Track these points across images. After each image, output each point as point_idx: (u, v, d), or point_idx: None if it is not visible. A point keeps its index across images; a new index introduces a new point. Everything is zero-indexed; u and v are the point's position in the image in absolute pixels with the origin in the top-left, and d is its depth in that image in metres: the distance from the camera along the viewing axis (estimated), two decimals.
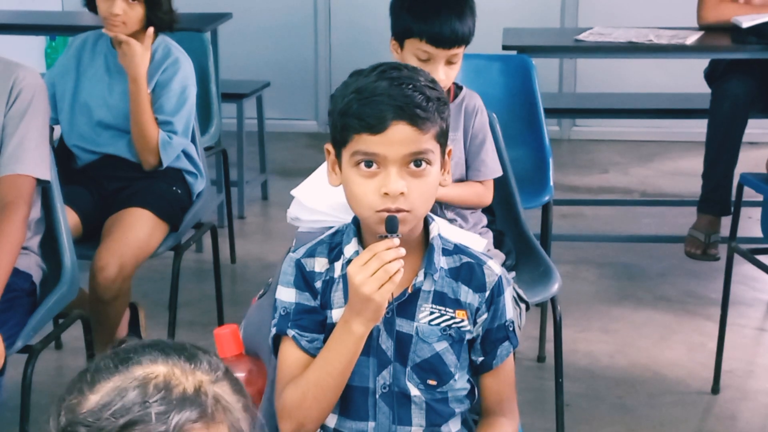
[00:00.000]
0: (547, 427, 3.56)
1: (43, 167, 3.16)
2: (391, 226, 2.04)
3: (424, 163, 2.06)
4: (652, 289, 4.86)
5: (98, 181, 3.90)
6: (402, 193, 2.04)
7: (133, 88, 3.79)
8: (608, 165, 6.65)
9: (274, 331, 2.17)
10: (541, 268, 3.44)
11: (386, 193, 2.04)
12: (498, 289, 2.18)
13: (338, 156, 2.12)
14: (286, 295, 2.18)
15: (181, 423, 1.30)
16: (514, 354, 2.26)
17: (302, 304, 2.16)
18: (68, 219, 3.39)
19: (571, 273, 4.88)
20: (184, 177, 4.00)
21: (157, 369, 1.34)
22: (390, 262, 2.00)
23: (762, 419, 3.84)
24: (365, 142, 2.05)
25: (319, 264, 2.18)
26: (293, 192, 2.54)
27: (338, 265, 2.16)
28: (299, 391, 2.10)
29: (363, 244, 2.14)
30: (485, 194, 3.32)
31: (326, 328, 2.15)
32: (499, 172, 3.36)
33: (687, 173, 6.21)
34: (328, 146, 2.15)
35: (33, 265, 3.21)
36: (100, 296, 3.63)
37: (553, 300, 3.40)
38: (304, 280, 2.17)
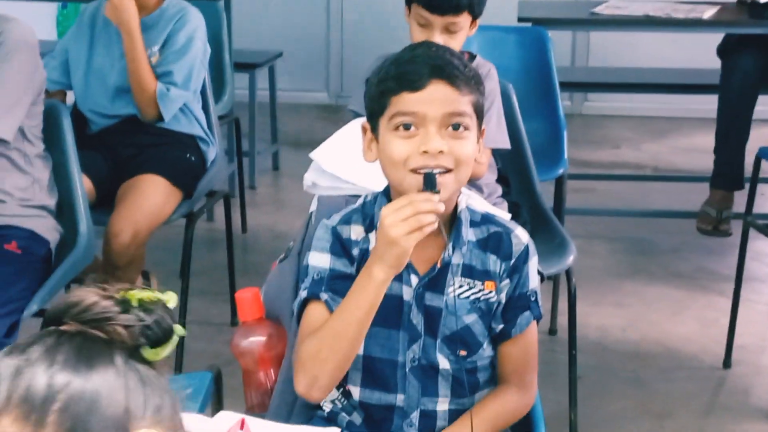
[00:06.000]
0: (558, 400, 3.55)
1: (2, 123, 3.09)
2: (430, 182, 1.99)
3: (462, 127, 2.04)
4: (665, 265, 4.84)
5: (112, 147, 3.89)
6: (442, 152, 2.01)
7: (128, 41, 3.76)
8: (620, 140, 6.63)
9: (304, 294, 2.13)
10: (556, 240, 3.43)
11: (425, 152, 2.01)
12: (524, 258, 2.16)
13: (375, 130, 2.10)
14: (321, 260, 2.14)
15: None
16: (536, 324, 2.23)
17: (337, 270, 2.13)
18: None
19: (583, 247, 4.85)
20: (197, 144, 3.99)
21: None
22: (425, 213, 1.94)
23: None
24: (404, 102, 2.03)
25: (355, 232, 2.15)
26: (312, 155, 2.50)
27: (373, 236, 2.12)
28: (316, 341, 2.06)
29: None
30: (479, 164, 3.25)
31: None
32: (503, 144, 3.30)
33: (699, 149, 6.19)
34: (365, 124, 2.13)
35: (51, 230, 3.20)
36: (114, 262, 3.62)
37: (567, 272, 3.38)
38: (341, 246, 2.14)
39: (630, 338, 4.19)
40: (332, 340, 2.05)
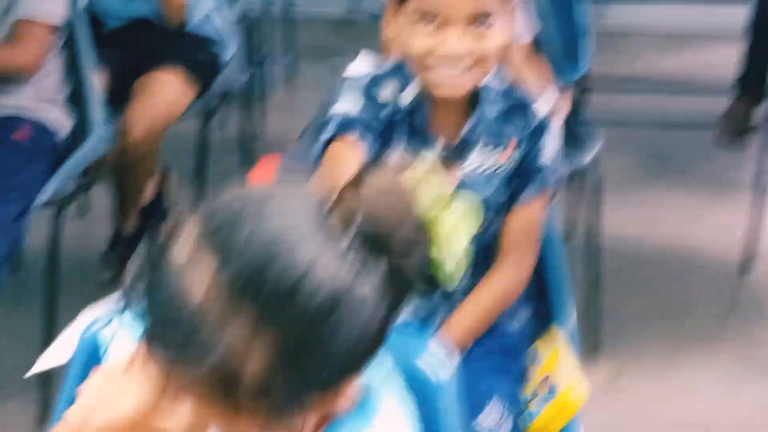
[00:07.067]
0: (577, 304, 3.52)
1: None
2: None
3: (487, 24, 1.99)
4: (684, 173, 4.81)
5: (127, 43, 3.83)
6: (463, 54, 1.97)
7: None
8: (639, 54, 6.55)
9: (328, 135, 2.04)
10: (577, 136, 3.39)
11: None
12: (540, 129, 2.12)
13: (396, 17, 2.04)
14: (348, 107, 2.06)
15: None
16: (545, 201, 2.17)
17: (368, 119, 2.05)
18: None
19: (600, 158, 4.81)
20: (213, 43, 3.93)
21: None
22: None
23: None
24: None
25: (388, 89, 2.09)
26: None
27: (406, 95, 2.08)
28: None
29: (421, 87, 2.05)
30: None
31: None
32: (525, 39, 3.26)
33: (719, 65, 6.11)
34: (390, 5, 2.07)
35: (60, 120, 3.17)
36: (127, 158, 3.59)
37: (591, 164, 3.39)
38: (372, 102, 2.07)
39: (647, 244, 4.17)
40: None
